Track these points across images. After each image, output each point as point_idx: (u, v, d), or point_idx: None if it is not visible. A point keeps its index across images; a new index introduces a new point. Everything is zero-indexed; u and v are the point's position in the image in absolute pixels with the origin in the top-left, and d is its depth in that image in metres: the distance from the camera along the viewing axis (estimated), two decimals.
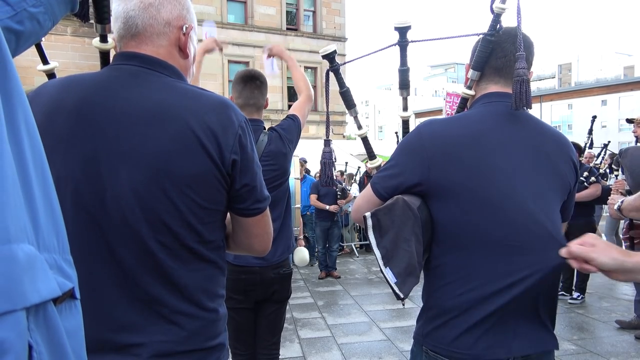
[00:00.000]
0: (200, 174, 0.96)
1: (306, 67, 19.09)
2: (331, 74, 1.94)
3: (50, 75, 1.51)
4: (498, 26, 1.31)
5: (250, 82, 2.20)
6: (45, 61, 1.49)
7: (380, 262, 1.11)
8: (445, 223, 1.15)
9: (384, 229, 1.12)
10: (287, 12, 18.92)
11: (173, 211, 0.95)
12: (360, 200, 1.30)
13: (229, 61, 17.44)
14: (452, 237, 1.14)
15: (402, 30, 1.59)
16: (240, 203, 1.06)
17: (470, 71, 1.31)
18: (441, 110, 11.72)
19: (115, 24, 1.06)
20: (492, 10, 1.33)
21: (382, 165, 1.79)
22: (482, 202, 1.11)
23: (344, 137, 20.14)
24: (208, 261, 1.02)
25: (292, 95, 19.05)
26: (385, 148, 13.71)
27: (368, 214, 1.14)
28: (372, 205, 1.21)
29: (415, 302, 5.52)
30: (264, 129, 2.23)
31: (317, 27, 19.44)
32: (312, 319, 5.04)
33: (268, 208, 1.12)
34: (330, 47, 1.92)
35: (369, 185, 1.25)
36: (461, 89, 1.39)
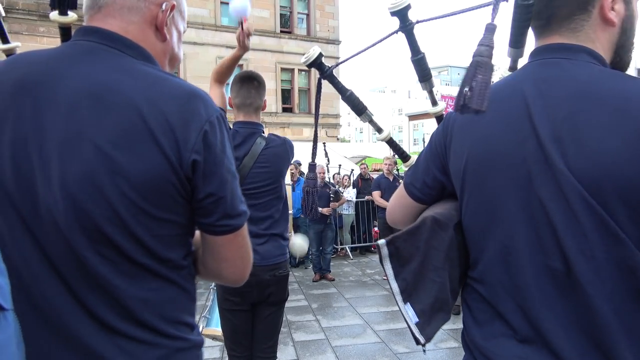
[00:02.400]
0: (150, 175, 0.77)
1: (300, 70, 19.12)
2: (325, 82, 1.64)
3: (10, 55, 1.29)
4: None
5: (248, 83, 2.19)
6: (5, 40, 1.30)
7: (398, 298, 0.93)
8: None
9: (405, 257, 0.94)
10: (280, 14, 18.94)
11: (114, 218, 0.77)
12: (394, 201, 1.13)
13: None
14: None
15: (401, 13, 1.23)
16: (205, 217, 0.86)
17: (508, 49, 1.00)
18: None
19: None
20: None
21: None
22: None
23: (337, 139, 20.16)
24: (166, 279, 0.84)
25: (285, 98, 19.07)
26: (379, 151, 13.74)
27: (382, 242, 0.95)
28: (407, 209, 1.08)
29: None
30: (262, 132, 2.22)
31: (311, 30, 19.48)
32: (307, 322, 5.03)
33: (246, 227, 0.92)
34: (312, 51, 1.52)
35: (402, 186, 1.10)
36: (501, 72, 1.13)
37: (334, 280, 7.04)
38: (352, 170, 10.38)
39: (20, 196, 0.77)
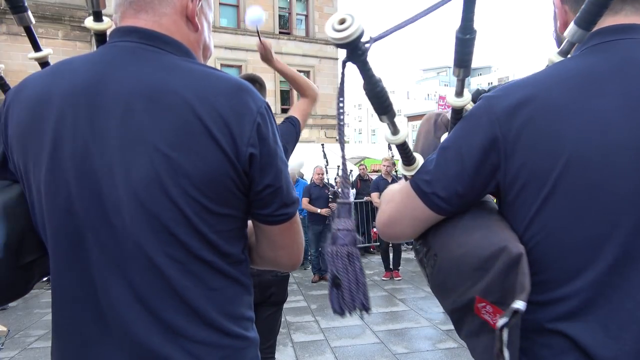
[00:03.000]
0: (210, 172, 0.78)
1: (299, 71, 19.08)
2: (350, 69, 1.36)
3: (44, 64, 1.30)
4: None
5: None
6: (37, 48, 1.27)
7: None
8: None
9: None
10: (279, 16, 18.96)
11: (179, 218, 0.77)
12: (397, 213, 0.91)
13: (222, 65, 17.43)
14: None
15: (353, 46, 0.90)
16: (264, 208, 0.86)
17: (572, 29, 0.77)
18: None
19: None
20: None
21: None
22: None
23: (336, 140, 20.15)
24: (228, 277, 0.85)
25: (284, 99, 19.09)
26: (378, 152, 13.75)
27: (505, 329, 0.69)
28: (422, 223, 0.88)
29: (407, 305, 5.54)
30: None
31: (310, 30, 19.50)
32: (306, 323, 5.03)
33: (297, 214, 0.93)
34: (352, 23, 0.83)
35: (411, 196, 0.87)
36: (549, 56, 0.86)
37: None
38: (351, 171, 10.39)
39: (85, 206, 0.78)
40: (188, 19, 0.90)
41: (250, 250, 0.96)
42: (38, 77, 0.85)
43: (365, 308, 0.72)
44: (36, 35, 1.24)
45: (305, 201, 7.26)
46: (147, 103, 0.77)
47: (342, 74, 0.74)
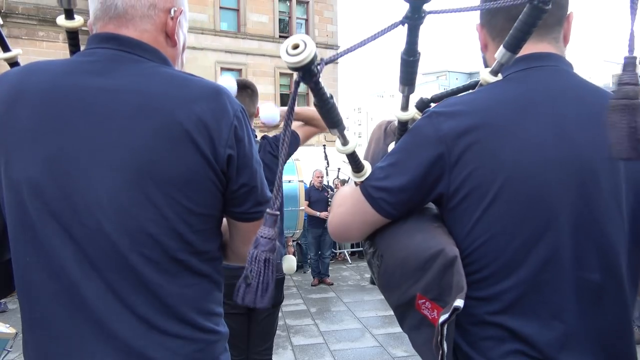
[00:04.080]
0: (190, 174, 0.81)
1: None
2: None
3: (13, 64, 1.25)
4: None
5: (242, 91, 2.23)
6: (5, 48, 1.25)
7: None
8: None
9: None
10: (279, 19, 19.02)
11: (159, 219, 0.80)
12: (348, 216, 0.97)
13: (222, 68, 17.47)
14: None
15: (416, 4, 0.84)
16: (239, 206, 0.90)
17: (501, 51, 0.84)
18: None
19: (91, 4, 0.91)
20: None
21: None
22: None
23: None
24: (201, 275, 0.88)
25: (284, 103, 19.10)
26: None
27: (445, 325, 0.77)
28: (370, 226, 0.95)
29: None
30: (255, 137, 2.25)
31: (310, 35, 19.55)
32: (305, 326, 5.03)
33: None
34: (304, 49, 0.85)
35: (361, 200, 0.93)
36: (482, 75, 0.93)
37: (332, 284, 7.04)
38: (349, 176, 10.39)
39: (60, 206, 0.79)
40: (167, 35, 0.93)
41: (224, 247, 0.99)
42: (11, 75, 0.85)
43: (263, 306, 0.76)
44: (4, 36, 1.22)
45: (304, 204, 7.28)
46: (128, 106, 0.80)
47: (294, 92, 0.78)
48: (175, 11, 0.93)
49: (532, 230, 0.81)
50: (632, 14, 0.65)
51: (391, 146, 1.00)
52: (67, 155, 0.79)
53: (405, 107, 0.94)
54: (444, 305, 0.78)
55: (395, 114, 0.96)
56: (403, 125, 0.96)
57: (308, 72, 0.72)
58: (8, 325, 2.57)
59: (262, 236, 0.75)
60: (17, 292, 0.85)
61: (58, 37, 14.46)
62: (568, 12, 0.94)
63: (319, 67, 0.72)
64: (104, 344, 0.80)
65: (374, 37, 0.76)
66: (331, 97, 0.79)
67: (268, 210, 0.75)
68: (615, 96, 0.66)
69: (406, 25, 0.77)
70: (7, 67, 1.17)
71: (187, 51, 1.04)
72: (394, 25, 0.77)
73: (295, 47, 0.70)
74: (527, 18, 0.77)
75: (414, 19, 0.76)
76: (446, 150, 0.84)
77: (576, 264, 0.81)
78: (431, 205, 0.96)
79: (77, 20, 1.04)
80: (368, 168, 0.93)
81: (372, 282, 6.96)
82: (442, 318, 0.76)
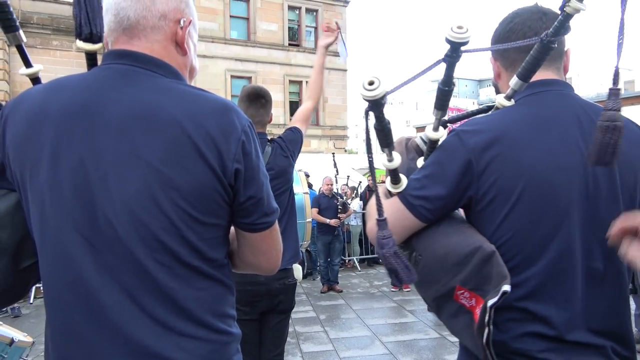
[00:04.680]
0: (198, 186, 0.85)
1: (308, 82, 19.27)
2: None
3: (35, 79, 1.31)
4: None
5: (256, 101, 2.26)
6: (28, 64, 1.30)
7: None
8: None
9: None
10: (289, 28, 19.18)
11: (168, 227, 0.84)
12: (390, 223, 0.98)
13: (232, 76, 17.63)
14: None
15: (455, 46, 1.00)
16: (246, 217, 0.94)
17: (515, 80, 1.00)
18: None
19: (105, 16, 0.95)
20: (562, 10, 0.96)
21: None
22: None
23: (345, 151, 20.24)
24: (213, 279, 0.91)
25: (294, 110, 19.19)
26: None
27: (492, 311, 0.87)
28: (407, 231, 1.05)
29: (416, 316, 5.52)
30: (268, 141, 2.28)
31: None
32: (315, 333, 5.03)
33: (277, 222, 1.02)
34: (377, 86, 1.04)
35: (400, 207, 1.03)
36: (498, 100, 1.08)
37: (342, 291, 7.03)
38: (360, 182, 10.39)
39: (80, 214, 0.83)
40: (177, 44, 0.97)
41: (232, 255, 1.03)
42: (36, 92, 0.90)
43: (412, 280, 0.93)
44: (27, 53, 1.27)
45: (314, 211, 7.29)
46: (141, 122, 0.84)
47: (366, 123, 0.94)
48: (184, 21, 0.97)
49: (549, 226, 0.95)
50: (619, 53, 0.80)
51: (420, 161, 1.12)
52: (86, 167, 0.83)
53: (437, 128, 1.08)
54: (483, 294, 0.90)
55: (427, 134, 1.10)
56: (434, 143, 1.09)
57: (377, 104, 0.90)
58: (26, 334, 2.62)
59: (382, 237, 0.91)
60: (43, 298, 0.89)
61: (71, 46, 14.69)
62: (566, 48, 1.11)
63: (383, 100, 0.90)
64: (122, 347, 0.83)
65: (421, 74, 0.98)
66: (389, 122, 0.95)
67: (377, 217, 0.93)
68: (601, 119, 0.80)
69: (445, 61, 0.94)
70: (28, 80, 1.22)
71: (197, 59, 1.08)
72: (436, 63, 0.96)
73: (371, 83, 0.88)
74: (537, 53, 0.93)
75: (453, 57, 0.93)
76: (474, 160, 0.97)
77: (585, 254, 0.96)
78: (457, 211, 1.09)
79: (96, 44, 1.07)
80: (404, 180, 1.05)
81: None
82: (491, 301, 0.86)
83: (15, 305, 5.70)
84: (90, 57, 1.12)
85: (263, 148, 2.21)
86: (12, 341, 2.39)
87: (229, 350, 0.93)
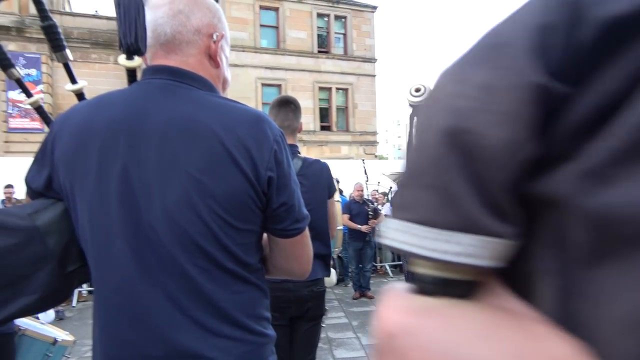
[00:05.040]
0: (233, 193, 0.89)
1: (338, 89, 19.34)
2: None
3: (80, 95, 1.42)
4: None
5: (285, 106, 2.31)
6: (73, 80, 1.40)
7: None
8: None
9: None
10: (318, 35, 19.32)
11: (206, 233, 0.88)
12: None
13: (262, 84, 17.88)
14: None
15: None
16: (278, 223, 0.98)
17: None
18: None
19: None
20: None
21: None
22: None
23: (375, 156, 20.17)
24: (248, 283, 0.96)
25: (324, 116, 19.31)
26: None
27: None
28: None
29: None
30: (299, 153, 2.32)
31: (348, 49, 19.74)
32: (347, 339, 5.02)
33: (307, 228, 1.06)
34: (424, 95, 1.66)
35: None
36: None
37: (373, 298, 7.00)
38: (390, 188, 10.33)
39: (125, 221, 0.88)
40: (210, 57, 1.02)
41: (265, 261, 1.06)
42: (81, 109, 0.97)
43: None
44: (73, 70, 1.38)
45: (345, 218, 7.29)
46: (180, 133, 0.89)
47: (411, 128, 0.91)
48: (217, 35, 1.03)
49: None
50: None
51: None
52: (130, 176, 0.88)
53: None
54: None
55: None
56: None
57: None
58: (67, 333, 2.73)
59: None
60: (93, 301, 0.95)
61: (109, 59, 15.27)
62: None
63: None
64: (164, 347, 0.88)
65: None
66: None
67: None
68: None
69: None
70: (70, 92, 1.33)
71: (230, 68, 1.13)
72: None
73: (417, 90, 0.88)
74: None
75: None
76: None
77: None
78: None
79: (136, 61, 1.13)
80: None
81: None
82: None
83: (60, 308, 5.94)
84: (131, 73, 1.19)
85: (292, 160, 2.25)
86: (55, 341, 2.50)
87: (264, 352, 0.97)
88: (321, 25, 19.50)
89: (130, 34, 0.92)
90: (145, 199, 0.88)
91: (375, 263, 8.67)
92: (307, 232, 1.05)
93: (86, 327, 5.58)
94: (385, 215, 8.45)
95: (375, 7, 20.36)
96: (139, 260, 0.88)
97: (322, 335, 5.05)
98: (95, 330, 0.93)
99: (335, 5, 19.51)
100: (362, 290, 7.14)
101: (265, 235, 1.03)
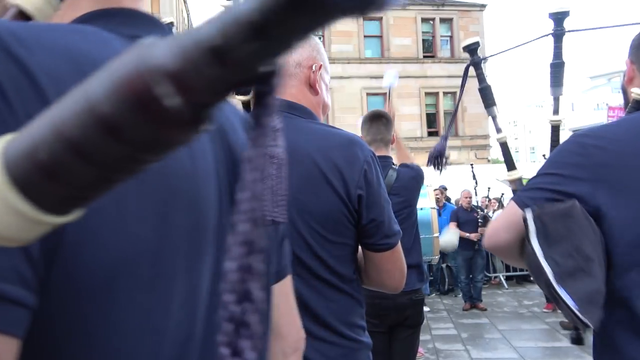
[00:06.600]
0: (327, 210, 0.99)
1: (445, 93, 18.82)
2: (471, 70, 1.88)
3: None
4: None
5: (377, 120, 2.41)
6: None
7: (551, 278, 0.84)
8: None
9: (553, 237, 0.86)
10: (423, 40, 19.02)
11: (304, 246, 0.98)
12: (497, 221, 1.04)
13: (367, 94, 18.07)
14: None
15: (558, 17, 1.41)
16: (369, 238, 1.06)
17: None
18: None
19: None
20: None
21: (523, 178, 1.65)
22: None
23: (488, 161, 19.15)
24: (342, 292, 1.03)
25: (431, 122, 18.89)
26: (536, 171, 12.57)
27: (529, 215, 0.88)
28: (514, 226, 0.96)
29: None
30: (393, 164, 2.39)
31: (455, 51, 19.12)
32: (456, 351, 4.88)
33: (400, 244, 1.11)
34: (473, 38, 1.86)
35: (510, 203, 1.01)
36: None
37: (485, 310, 6.68)
38: (503, 194, 9.74)
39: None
40: (310, 86, 1.13)
41: (360, 272, 1.14)
42: None
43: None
44: None
45: (452, 225, 7.09)
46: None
47: (464, 80, 1.18)
48: (316, 66, 1.14)
49: None
50: None
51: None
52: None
53: (556, 111, 1.18)
54: None
55: (547, 119, 1.14)
56: (554, 129, 1.23)
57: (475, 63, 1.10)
58: None
59: None
60: None
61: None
62: None
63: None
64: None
65: (524, 43, 1.17)
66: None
67: None
68: None
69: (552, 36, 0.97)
70: None
71: (334, 80, 1.30)
72: (542, 36, 1.06)
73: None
74: None
75: (558, 30, 1.07)
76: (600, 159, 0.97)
77: None
78: None
79: (249, 95, 1.31)
80: (518, 172, 1.11)
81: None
82: None
83: None
84: (245, 105, 1.39)
85: (387, 172, 2.32)
86: None
87: (359, 356, 1.04)
88: (426, 30, 19.18)
89: None
90: None
91: (488, 273, 8.25)
92: (399, 248, 1.10)
93: None
94: None
95: (484, 6, 19.49)
96: None
97: (429, 345, 4.99)
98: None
99: (441, 8, 19.06)
100: (473, 302, 6.85)
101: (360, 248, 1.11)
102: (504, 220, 1.01)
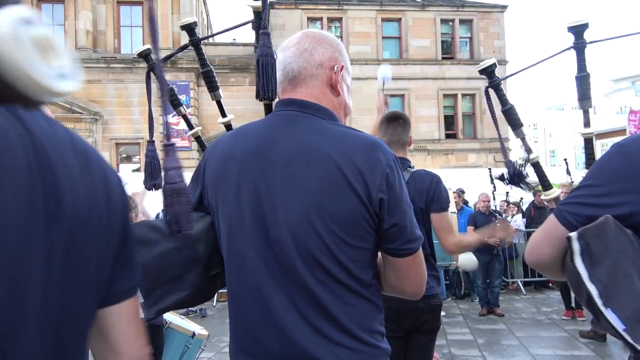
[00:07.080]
0: (347, 213, 0.98)
1: (463, 95, 18.62)
2: (491, 92, 1.78)
3: (228, 126, 1.77)
4: None
5: (394, 122, 2.38)
6: (224, 114, 1.77)
7: (598, 301, 0.84)
8: None
9: (596, 256, 0.87)
10: (442, 41, 18.85)
11: (323, 248, 0.98)
12: (538, 235, 1.04)
13: (385, 95, 17.94)
14: None
15: (578, 30, 1.39)
16: (390, 243, 1.04)
17: None
18: (624, 130, 10.25)
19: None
20: None
21: (561, 195, 1.60)
22: None
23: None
24: (362, 297, 1.02)
25: (449, 124, 18.70)
26: (558, 175, 12.36)
27: (573, 235, 0.89)
28: (555, 241, 0.97)
29: (592, 349, 4.87)
30: (409, 166, 2.36)
31: (475, 52, 18.90)
32: (472, 357, 4.82)
33: (421, 249, 1.09)
34: (489, 60, 1.77)
35: (551, 217, 1.00)
36: None
37: (503, 315, 6.57)
38: (522, 198, 9.58)
39: (256, 234, 1.02)
40: (332, 87, 1.13)
41: (379, 278, 1.12)
42: (226, 139, 1.15)
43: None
44: (224, 109, 1.80)
45: (470, 230, 6.99)
46: (303, 158, 1.01)
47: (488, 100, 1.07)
48: (337, 67, 1.14)
49: None
50: None
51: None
52: (260, 195, 1.02)
53: (587, 124, 1.14)
54: None
55: (579, 132, 1.10)
56: (587, 142, 1.19)
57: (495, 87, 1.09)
58: (202, 328, 3.11)
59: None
60: (227, 300, 1.12)
61: (244, 81, 16.79)
62: None
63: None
64: (287, 346, 0.99)
65: (545, 59, 1.13)
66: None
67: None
68: None
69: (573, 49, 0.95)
70: (213, 113, 1.73)
71: (352, 82, 1.25)
72: (563, 50, 1.02)
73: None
74: None
75: (579, 43, 1.06)
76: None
77: None
78: None
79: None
80: (557, 190, 1.10)
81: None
82: None
83: (203, 306, 6.68)
84: (267, 106, 1.45)
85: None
86: (193, 334, 2.87)
87: None
88: (445, 31, 19.01)
89: (267, 90, 1.07)
90: (271, 216, 1.00)
91: (506, 278, 8.12)
92: (420, 253, 1.08)
93: (224, 325, 6.18)
94: (516, 230, 7.88)
95: (505, 7, 19.24)
96: (268, 269, 1.00)
97: (445, 350, 4.93)
98: (231, 326, 1.10)
99: (460, 9, 18.87)
100: (490, 307, 6.75)
101: (380, 254, 1.09)
102: (545, 235, 1.02)
